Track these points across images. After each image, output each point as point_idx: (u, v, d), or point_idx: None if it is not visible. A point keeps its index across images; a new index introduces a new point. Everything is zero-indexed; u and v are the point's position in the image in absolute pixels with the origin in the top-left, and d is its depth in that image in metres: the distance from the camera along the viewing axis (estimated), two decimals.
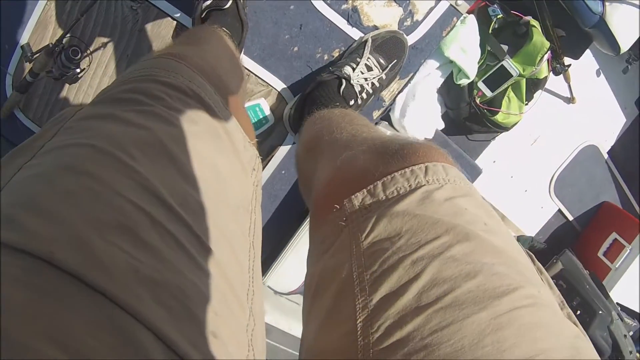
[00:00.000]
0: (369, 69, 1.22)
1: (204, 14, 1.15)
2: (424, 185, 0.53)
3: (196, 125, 0.57)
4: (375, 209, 0.53)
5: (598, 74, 1.90)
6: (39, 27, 1.33)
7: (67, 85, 1.36)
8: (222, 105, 0.66)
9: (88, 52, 1.31)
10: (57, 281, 0.33)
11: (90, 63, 1.33)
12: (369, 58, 1.22)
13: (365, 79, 1.21)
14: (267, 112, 1.31)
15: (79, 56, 1.23)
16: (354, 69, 1.19)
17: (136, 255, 0.38)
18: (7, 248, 0.34)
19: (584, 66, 1.84)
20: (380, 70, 1.23)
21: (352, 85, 1.19)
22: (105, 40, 1.32)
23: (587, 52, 1.79)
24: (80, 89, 1.36)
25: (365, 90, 1.20)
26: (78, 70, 1.25)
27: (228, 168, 0.59)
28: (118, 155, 0.45)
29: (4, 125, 1.39)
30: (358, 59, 1.21)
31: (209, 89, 0.64)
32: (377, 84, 1.23)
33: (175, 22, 1.30)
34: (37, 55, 1.25)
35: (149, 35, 1.32)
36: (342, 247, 0.54)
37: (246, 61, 1.29)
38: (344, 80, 1.17)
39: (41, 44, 1.32)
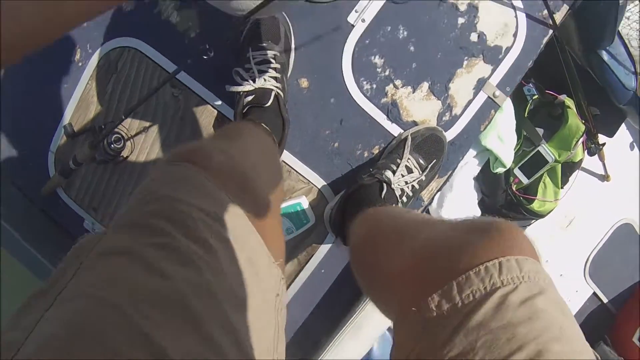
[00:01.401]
0: (409, 170, 1.20)
1: (245, 109, 1.15)
2: (499, 287, 0.53)
3: (218, 262, 0.55)
4: (453, 317, 0.54)
5: (632, 148, 1.88)
6: (81, 106, 1.36)
7: (109, 169, 1.37)
8: (246, 225, 0.65)
9: (130, 138, 1.32)
10: None
11: (132, 150, 1.33)
12: (409, 159, 1.20)
13: (406, 182, 1.19)
14: (308, 211, 1.30)
15: (121, 144, 1.24)
16: (394, 172, 1.18)
17: None
18: None
19: (618, 141, 1.82)
20: (420, 172, 1.21)
21: (393, 190, 1.17)
22: (147, 125, 1.33)
23: (622, 126, 1.79)
24: (123, 174, 1.37)
25: (405, 194, 1.18)
26: (120, 158, 1.26)
27: (249, 314, 0.57)
28: (135, 321, 0.44)
29: (47, 201, 1.41)
30: (398, 160, 1.20)
31: (232, 208, 0.63)
32: (417, 186, 1.22)
33: (216, 111, 1.31)
34: (80, 135, 1.28)
35: (191, 123, 1.32)
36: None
37: (287, 157, 1.29)
38: (385, 185, 1.15)
39: (83, 122, 1.35)
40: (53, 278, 0.51)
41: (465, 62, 1.29)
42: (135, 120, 1.32)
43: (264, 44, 1.18)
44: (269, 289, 0.65)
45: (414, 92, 1.29)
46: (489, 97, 1.31)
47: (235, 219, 0.63)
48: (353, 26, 1.27)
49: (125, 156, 1.31)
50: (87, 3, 0.40)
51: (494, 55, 1.30)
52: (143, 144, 1.34)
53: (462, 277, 0.55)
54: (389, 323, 1.39)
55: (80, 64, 1.35)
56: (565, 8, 1.33)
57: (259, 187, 0.74)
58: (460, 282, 0.55)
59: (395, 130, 1.29)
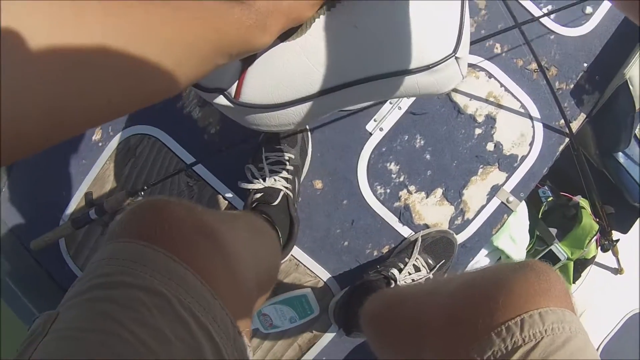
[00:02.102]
0: (417, 269, 1.21)
1: (253, 205, 1.17)
2: (520, 346, 0.54)
3: (166, 344, 0.53)
4: None
5: None
6: (97, 184, 1.40)
7: None
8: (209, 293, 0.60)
9: None
10: None
11: None
12: (417, 258, 1.21)
13: (413, 280, 1.20)
14: (313, 302, 1.31)
15: None
16: (400, 271, 1.19)
17: None
18: None
19: (632, 235, 1.81)
20: (428, 271, 1.22)
21: (398, 286, 1.18)
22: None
23: (637, 222, 1.77)
24: None
25: None
26: None
27: None
28: None
29: (55, 270, 1.44)
30: (406, 259, 1.21)
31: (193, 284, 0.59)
32: None
33: (227, 202, 1.33)
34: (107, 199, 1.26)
35: None
36: None
37: (297, 252, 1.31)
38: (391, 281, 1.16)
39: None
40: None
41: (480, 170, 1.30)
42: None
43: (280, 147, 1.20)
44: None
45: (427, 197, 1.30)
46: (502, 202, 1.31)
47: (199, 290, 0.59)
48: (371, 134, 1.29)
49: None
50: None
51: (509, 164, 1.30)
52: None
53: (485, 337, 0.56)
54: None
55: (100, 144, 1.38)
56: (582, 116, 1.34)
57: (243, 269, 0.70)
58: (482, 344, 0.56)
59: (406, 232, 1.30)
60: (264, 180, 1.17)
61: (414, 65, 0.67)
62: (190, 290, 0.57)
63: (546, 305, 0.56)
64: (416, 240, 1.24)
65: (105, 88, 0.40)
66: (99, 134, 1.38)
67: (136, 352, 0.50)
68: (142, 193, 1.34)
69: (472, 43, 0.74)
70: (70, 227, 1.25)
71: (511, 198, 1.31)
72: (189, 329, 0.55)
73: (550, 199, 1.53)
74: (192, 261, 0.60)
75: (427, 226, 1.30)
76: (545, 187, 1.54)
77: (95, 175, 1.38)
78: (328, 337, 1.35)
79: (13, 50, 0.33)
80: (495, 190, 1.30)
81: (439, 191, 1.30)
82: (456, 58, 0.69)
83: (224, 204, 1.33)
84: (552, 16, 1.32)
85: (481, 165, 1.30)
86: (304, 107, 0.70)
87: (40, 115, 0.36)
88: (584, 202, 1.54)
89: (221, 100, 0.68)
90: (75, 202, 1.41)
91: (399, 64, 0.67)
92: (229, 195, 1.32)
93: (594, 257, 1.62)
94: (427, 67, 0.67)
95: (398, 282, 1.17)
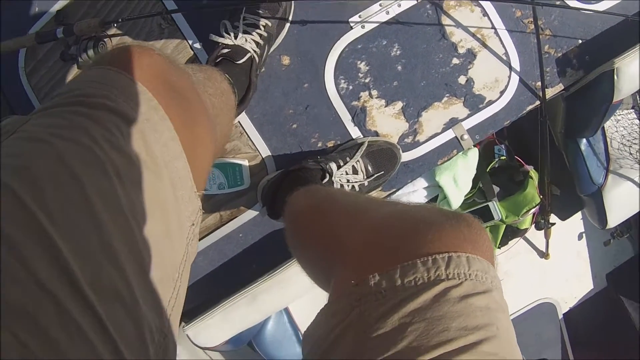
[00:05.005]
0: (355, 171, 1.22)
1: (218, 59, 1.17)
2: (443, 280, 0.53)
3: (137, 175, 0.55)
4: (390, 298, 0.53)
5: (580, 237, 1.91)
6: (71, 4, 1.35)
7: (75, 71, 1.35)
8: (177, 147, 0.64)
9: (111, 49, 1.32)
10: None
11: None
12: (358, 161, 1.22)
13: (348, 180, 1.21)
14: (246, 175, 1.31)
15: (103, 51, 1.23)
16: (339, 167, 1.20)
17: (31, 344, 0.38)
18: None
19: (569, 226, 1.85)
20: (365, 177, 1.24)
21: (333, 182, 1.19)
22: (125, 43, 1.33)
23: (577, 214, 1.81)
24: None
25: None
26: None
27: (160, 230, 0.57)
28: (37, 216, 0.44)
29: (6, 83, 1.40)
30: (348, 158, 1.22)
31: (165, 123, 0.63)
32: (357, 188, 1.24)
33: (192, 52, 1.32)
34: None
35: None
36: (348, 329, 0.55)
37: (244, 120, 1.30)
38: (327, 174, 1.17)
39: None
40: None
41: (445, 99, 1.30)
42: (116, 35, 1.33)
43: (260, 11, 1.19)
44: (186, 215, 0.65)
45: (386, 107, 1.30)
46: (456, 137, 1.32)
47: (168, 136, 0.63)
48: (351, 28, 1.29)
49: None
50: None
51: (475, 103, 1.31)
52: None
53: (409, 262, 0.54)
54: (287, 303, 1.42)
55: None
56: (559, 87, 1.34)
57: (204, 108, 0.75)
58: (405, 267, 0.54)
59: (355, 133, 1.31)
60: (236, 37, 1.16)
61: None
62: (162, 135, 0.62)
63: (474, 253, 0.56)
64: (362, 143, 1.25)
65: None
66: None
67: (104, 170, 0.52)
68: (116, 25, 1.32)
69: None
70: (33, 40, 1.21)
71: (466, 136, 1.32)
72: (155, 165, 0.59)
73: (503, 157, 1.55)
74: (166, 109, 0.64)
75: (377, 134, 1.31)
76: (502, 146, 1.56)
77: None
78: (250, 214, 1.36)
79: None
80: (453, 122, 1.31)
81: (399, 104, 1.30)
82: None
83: (189, 54, 1.31)
84: None
85: (447, 94, 1.30)
86: None
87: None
88: (533, 174, 1.57)
89: None
90: (46, 19, 1.37)
91: None
92: (197, 46, 1.30)
93: (526, 230, 1.66)
94: None
95: (333, 178, 1.18)
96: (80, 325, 0.42)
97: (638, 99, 1.63)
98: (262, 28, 1.18)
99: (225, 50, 1.16)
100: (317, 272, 0.82)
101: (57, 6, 1.36)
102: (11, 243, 0.42)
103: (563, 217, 1.75)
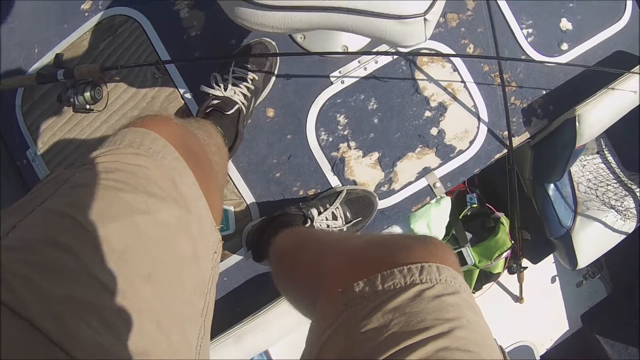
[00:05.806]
0: (334, 217, 1.29)
1: (208, 110, 1.26)
2: (418, 284, 0.62)
3: (167, 210, 0.63)
4: (373, 299, 0.62)
5: (552, 281, 1.98)
6: (71, 49, 1.45)
7: (72, 115, 1.44)
8: (197, 190, 0.73)
9: (106, 96, 1.40)
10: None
11: (104, 108, 1.42)
12: (337, 208, 1.30)
13: (327, 226, 1.28)
14: (231, 220, 1.38)
15: (100, 96, 1.30)
16: (320, 213, 1.27)
17: (100, 331, 0.45)
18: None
19: (541, 269, 1.92)
20: (344, 222, 1.31)
21: (314, 227, 1.26)
22: (120, 92, 1.42)
23: (549, 257, 1.88)
24: (82, 125, 1.44)
25: None
26: (88, 107, 1.29)
27: (191, 253, 0.66)
28: (97, 235, 0.52)
29: (2, 119, 1.48)
30: (328, 205, 1.30)
31: (187, 175, 0.72)
32: None
33: (184, 102, 1.41)
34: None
35: (159, 104, 1.42)
36: (339, 328, 0.63)
37: (231, 168, 1.38)
38: (308, 220, 1.24)
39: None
40: (27, 200, 0.59)
41: (418, 149, 1.39)
42: (113, 83, 1.41)
43: (248, 65, 1.28)
44: (209, 244, 0.74)
45: (363, 157, 1.39)
46: (429, 185, 1.41)
47: (191, 181, 0.72)
48: (332, 83, 1.39)
49: (91, 109, 1.36)
50: None
51: (446, 152, 1.40)
52: (110, 105, 1.42)
53: (387, 271, 0.63)
54: (271, 344, 1.46)
55: (86, 14, 1.44)
56: (526, 135, 1.44)
57: (212, 165, 0.86)
58: (384, 275, 0.63)
59: (334, 182, 1.39)
60: (225, 89, 1.25)
61: (389, 10, 0.81)
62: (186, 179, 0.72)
63: (442, 264, 0.66)
64: (342, 191, 1.33)
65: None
66: (89, 4, 1.44)
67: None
68: (115, 72, 1.40)
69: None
70: (33, 79, 1.27)
71: (438, 184, 1.41)
72: (185, 202, 0.68)
73: (475, 205, 1.63)
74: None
75: (355, 183, 1.39)
76: (474, 195, 1.64)
77: (72, 41, 1.43)
78: (235, 258, 1.42)
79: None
80: (426, 171, 1.40)
81: (376, 155, 1.39)
82: (425, 20, 0.83)
83: (180, 103, 1.40)
84: (529, 39, 1.43)
85: (420, 145, 1.39)
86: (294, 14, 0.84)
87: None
88: (504, 220, 1.64)
89: None
90: (46, 60, 1.46)
91: (379, 7, 0.82)
92: (188, 96, 1.39)
93: (499, 274, 1.73)
94: (399, 17, 0.82)
95: (314, 223, 1.25)
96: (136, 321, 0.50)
97: (603, 144, 1.73)
98: (250, 81, 1.28)
99: (215, 102, 1.25)
100: (302, 297, 0.90)
101: (56, 49, 1.45)
102: (82, 260, 0.50)
103: (535, 261, 1.83)
